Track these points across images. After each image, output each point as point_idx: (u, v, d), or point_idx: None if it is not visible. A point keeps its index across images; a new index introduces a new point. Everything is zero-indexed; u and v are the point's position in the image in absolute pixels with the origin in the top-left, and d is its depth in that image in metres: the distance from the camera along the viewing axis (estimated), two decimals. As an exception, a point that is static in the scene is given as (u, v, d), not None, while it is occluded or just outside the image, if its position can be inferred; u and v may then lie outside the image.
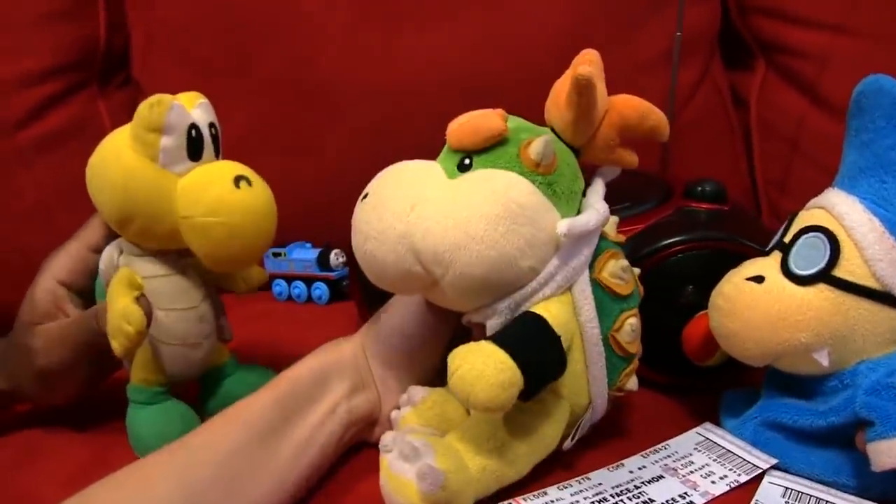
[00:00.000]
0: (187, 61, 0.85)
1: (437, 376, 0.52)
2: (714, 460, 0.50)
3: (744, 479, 0.47)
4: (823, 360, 0.45)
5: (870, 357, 0.46)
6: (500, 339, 0.43)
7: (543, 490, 0.48)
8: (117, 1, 0.86)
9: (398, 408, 0.52)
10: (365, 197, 0.47)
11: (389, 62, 0.82)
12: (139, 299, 0.49)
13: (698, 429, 0.53)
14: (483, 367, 0.42)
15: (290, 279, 0.83)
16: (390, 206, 0.45)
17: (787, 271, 0.47)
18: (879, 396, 0.43)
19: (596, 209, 0.48)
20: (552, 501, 0.47)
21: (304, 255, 0.82)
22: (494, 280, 0.44)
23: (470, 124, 0.47)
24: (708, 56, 0.90)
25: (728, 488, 0.47)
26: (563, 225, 0.45)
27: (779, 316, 0.46)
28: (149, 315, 0.48)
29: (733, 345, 0.49)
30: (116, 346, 0.47)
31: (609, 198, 0.64)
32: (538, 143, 0.46)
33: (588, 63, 0.48)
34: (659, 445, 0.52)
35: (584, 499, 0.47)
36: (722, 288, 0.49)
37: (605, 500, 0.46)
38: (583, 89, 0.47)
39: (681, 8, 0.74)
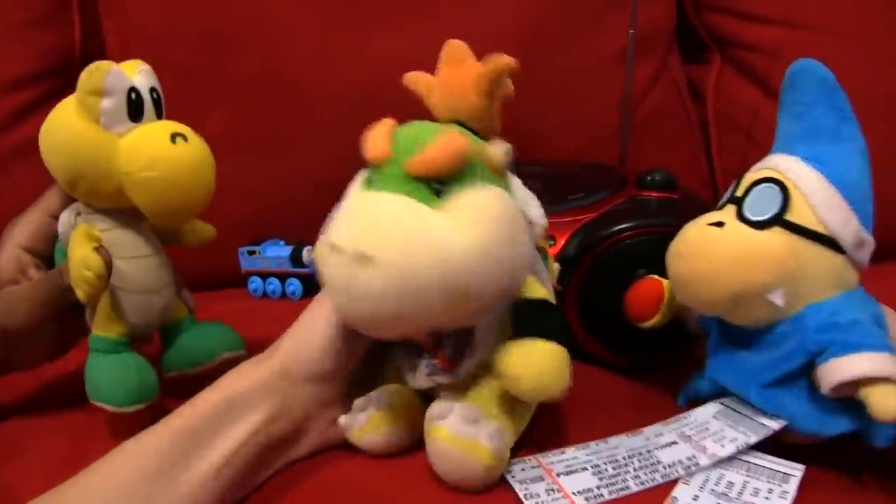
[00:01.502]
0: (162, 66, 0.84)
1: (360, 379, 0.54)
2: (729, 426, 0.51)
3: (752, 439, 0.49)
4: (778, 300, 0.48)
5: (815, 300, 0.49)
6: (536, 331, 0.47)
7: (562, 449, 0.52)
8: (92, 8, 0.88)
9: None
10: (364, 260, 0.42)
11: (358, 64, 0.85)
12: (98, 249, 0.52)
13: (722, 399, 0.54)
14: (548, 364, 0.46)
15: (264, 276, 0.86)
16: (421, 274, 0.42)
17: (743, 218, 0.50)
18: (828, 332, 0.47)
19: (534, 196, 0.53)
20: (569, 459, 0.50)
21: (277, 252, 0.85)
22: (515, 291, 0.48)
23: (440, 151, 0.45)
24: (665, 51, 0.93)
25: (735, 450, 0.49)
26: (541, 218, 0.51)
27: (741, 256, 0.48)
28: (108, 264, 0.51)
29: (697, 289, 0.51)
30: (80, 293, 0.51)
31: (565, 188, 0.68)
32: (500, 150, 0.49)
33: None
34: (682, 414, 0.54)
35: (599, 459, 0.50)
36: (684, 234, 0.52)
37: (617, 461, 0.50)
38: (505, 77, 0.51)
39: (634, 6, 0.77)
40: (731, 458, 0.49)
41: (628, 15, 0.82)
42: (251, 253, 0.86)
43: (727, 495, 0.46)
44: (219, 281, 0.86)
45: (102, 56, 0.89)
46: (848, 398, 0.46)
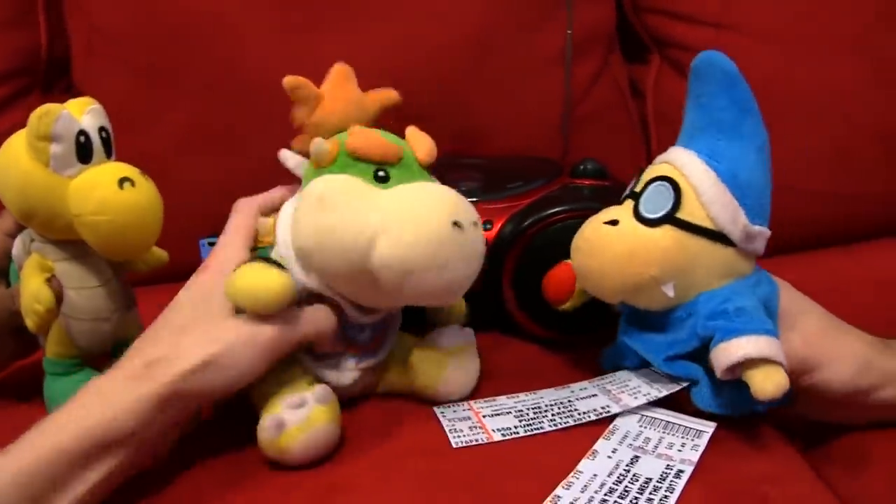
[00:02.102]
0: (126, 67, 0.89)
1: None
2: (644, 382, 0.56)
3: (663, 393, 0.54)
4: (670, 291, 0.52)
5: (707, 289, 0.53)
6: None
7: (494, 397, 0.57)
8: (57, 10, 0.90)
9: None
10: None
11: (311, 65, 0.86)
12: (50, 280, 0.54)
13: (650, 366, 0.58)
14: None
15: (225, 265, 0.89)
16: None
17: (637, 215, 0.54)
18: (716, 319, 0.51)
19: None
20: (496, 405, 0.56)
21: None
22: None
23: (381, 141, 0.54)
24: (606, 51, 0.98)
25: (646, 401, 0.54)
26: None
27: (631, 253, 0.53)
28: (59, 294, 0.54)
29: (594, 282, 0.55)
30: (30, 323, 0.53)
31: (504, 177, 0.72)
32: (430, 146, 0.56)
33: None
34: (609, 375, 0.59)
35: (523, 406, 0.55)
36: (583, 231, 0.56)
37: (539, 408, 0.55)
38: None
39: (570, 9, 0.82)
40: (641, 410, 0.54)
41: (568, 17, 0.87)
42: (212, 244, 0.88)
43: (643, 448, 0.50)
44: (179, 272, 0.89)
45: (68, 56, 0.92)
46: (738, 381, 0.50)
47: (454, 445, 0.52)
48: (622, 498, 0.45)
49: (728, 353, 0.49)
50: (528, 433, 0.53)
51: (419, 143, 0.56)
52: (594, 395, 0.56)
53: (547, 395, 0.57)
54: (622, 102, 0.99)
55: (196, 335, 0.50)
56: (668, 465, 0.48)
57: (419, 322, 0.63)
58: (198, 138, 0.89)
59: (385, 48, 0.89)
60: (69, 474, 0.44)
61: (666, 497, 0.46)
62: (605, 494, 0.46)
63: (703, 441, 0.51)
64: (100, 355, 0.60)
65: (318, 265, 0.52)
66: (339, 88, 0.57)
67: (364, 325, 0.57)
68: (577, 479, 0.47)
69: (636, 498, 0.45)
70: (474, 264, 0.52)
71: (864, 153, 0.89)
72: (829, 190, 0.89)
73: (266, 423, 0.50)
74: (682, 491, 0.46)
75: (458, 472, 0.50)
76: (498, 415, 0.55)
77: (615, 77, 0.99)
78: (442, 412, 0.56)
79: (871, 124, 0.89)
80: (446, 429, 0.54)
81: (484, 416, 0.55)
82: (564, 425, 0.53)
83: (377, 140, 0.54)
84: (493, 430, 0.53)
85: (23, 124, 0.54)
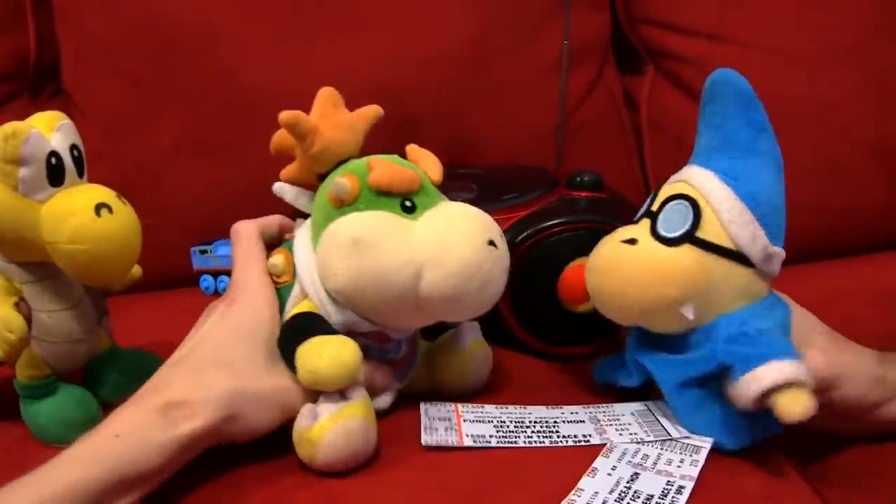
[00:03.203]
0: (117, 73, 0.89)
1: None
2: (638, 422, 0.55)
3: (650, 438, 0.53)
4: (689, 314, 0.51)
5: (725, 312, 0.51)
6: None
7: (483, 405, 0.57)
8: (47, 15, 0.90)
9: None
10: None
11: (306, 73, 0.87)
12: (18, 304, 0.51)
13: (648, 402, 0.58)
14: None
15: (215, 274, 0.89)
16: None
17: (656, 235, 0.52)
18: (736, 343, 0.50)
19: None
20: (481, 411, 0.56)
21: (228, 251, 0.85)
22: None
23: (404, 172, 0.54)
24: (601, 62, 0.98)
25: (630, 441, 0.52)
26: None
27: (651, 272, 0.51)
28: (28, 318, 0.51)
29: (610, 303, 0.54)
30: (0, 353, 0.50)
31: (501, 188, 0.72)
32: (438, 165, 0.56)
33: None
34: (606, 404, 0.58)
35: (508, 418, 0.55)
36: (599, 250, 0.54)
37: (522, 423, 0.54)
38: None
39: (567, 19, 0.82)
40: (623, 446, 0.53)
41: (563, 27, 0.87)
42: (203, 252, 0.88)
43: (642, 465, 0.50)
44: (171, 280, 0.89)
45: (57, 62, 0.91)
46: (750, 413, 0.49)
47: (423, 443, 0.51)
48: (626, 515, 0.45)
49: (757, 381, 0.47)
50: (500, 445, 0.52)
51: (428, 163, 0.56)
52: (581, 421, 0.55)
53: (535, 412, 0.56)
54: (616, 113, 0.99)
55: (226, 381, 0.49)
56: (668, 482, 0.48)
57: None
58: (189, 146, 0.89)
59: (379, 57, 0.89)
60: None
61: (669, 514, 0.45)
62: (609, 512, 0.45)
63: (702, 456, 0.50)
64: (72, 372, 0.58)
65: (359, 304, 0.52)
66: (330, 115, 0.56)
67: (400, 342, 0.57)
68: (579, 496, 0.46)
69: (640, 515, 0.45)
70: (506, 274, 0.55)
71: (858, 165, 0.90)
72: (821, 203, 0.89)
73: (303, 411, 0.50)
74: (683, 507, 0.46)
75: (458, 485, 0.49)
76: (479, 422, 0.54)
77: (609, 87, 0.99)
78: (426, 409, 0.55)
79: (865, 136, 0.89)
80: (422, 425, 0.53)
81: (464, 421, 0.54)
82: (539, 444, 0.52)
83: (401, 172, 0.53)
84: (466, 435, 0.52)
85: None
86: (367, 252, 0.50)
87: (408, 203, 0.53)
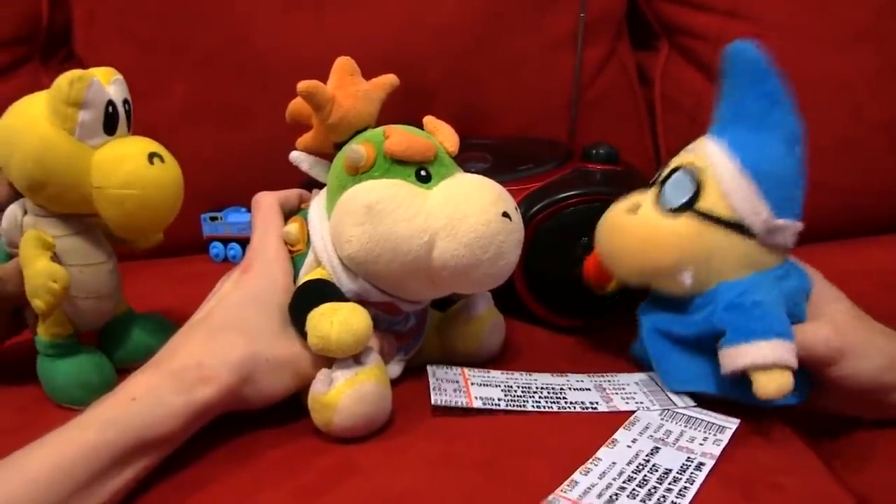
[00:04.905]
0: (128, 38, 0.88)
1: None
2: (642, 391, 0.56)
3: (655, 407, 0.53)
4: (687, 280, 0.52)
5: (728, 279, 0.52)
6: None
7: (488, 370, 0.57)
8: (59, -23, 0.89)
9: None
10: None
11: (318, 40, 0.87)
12: (52, 258, 0.52)
13: (651, 373, 0.58)
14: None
15: (226, 241, 0.89)
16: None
17: (660, 203, 0.53)
18: (731, 312, 0.50)
19: None
20: (488, 376, 0.56)
21: (238, 218, 0.87)
22: None
23: (420, 141, 0.53)
24: (615, 37, 0.97)
25: (635, 408, 0.53)
26: None
27: (647, 240, 0.53)
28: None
29: (615, 264, 0.56)
30: (41, 304, 0.51)
31: (515, 160, 0.71)
32: (455, 136, 0.56)
33: None
34: (609, 374, 0.58)
35: (515, 383, 0.55)
36: (606, 216, 0.57)
37: (529, 388, 0.55)
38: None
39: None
40: (631, 413, 0.53)
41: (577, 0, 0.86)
42: (213, 219, 0.88)
43: (664, 440, 0.50)
44: (181, 247, 0.89)
45: (68, 26, 0.90)
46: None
47: (433, 402, 0.51)
48: (641, 487, 0.45)
49: (734, 359, 0.49)
50: (510, 408, 0.52)
51: (445, 134, 0.56)
52: (587, 389, 0.56)
53: (541, 379, 0.57)
54: (629, 88, 0.99)
55: (241, 346, 0.49)
56: (688, 458, 0.48)
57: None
58: (200, 112, 0.88)
59: (392, 26, 0.88)
60: (110, 468, 0.43)
61: (686, 488, 0.45)
62: (624, 482, 0.45)
63: (726, 436, 0.50)
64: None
65: (371, 272, 0.52)
66: (346, 85, 0.56)
67: (409, 314, 0.57)
68: (596, 465, 0.46)
69: (655, 487, 0.45)
70: (520, 247, 0.54)
71: (871, 144, 0.89)
72: (834, 182, 0.88)
73: (319, 376, 0.50)
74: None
75: (471, 453, 0.49)
76: (486, 385, 0.55)
77: (623, 63, 0.98)
78: (433, 371, 0.55)
79: (879, 116, 0.89)
80: (431, 386, 0.53)
81: (472, 384, 0.54)
82: (547, 409, 0.53)
83: (417, 141, 0.53)
84: (476, 398, 0.52)
85: (22, 92, 0.53)
86: (380, 219, 0.50)
87: (423, 172, 0.53)
